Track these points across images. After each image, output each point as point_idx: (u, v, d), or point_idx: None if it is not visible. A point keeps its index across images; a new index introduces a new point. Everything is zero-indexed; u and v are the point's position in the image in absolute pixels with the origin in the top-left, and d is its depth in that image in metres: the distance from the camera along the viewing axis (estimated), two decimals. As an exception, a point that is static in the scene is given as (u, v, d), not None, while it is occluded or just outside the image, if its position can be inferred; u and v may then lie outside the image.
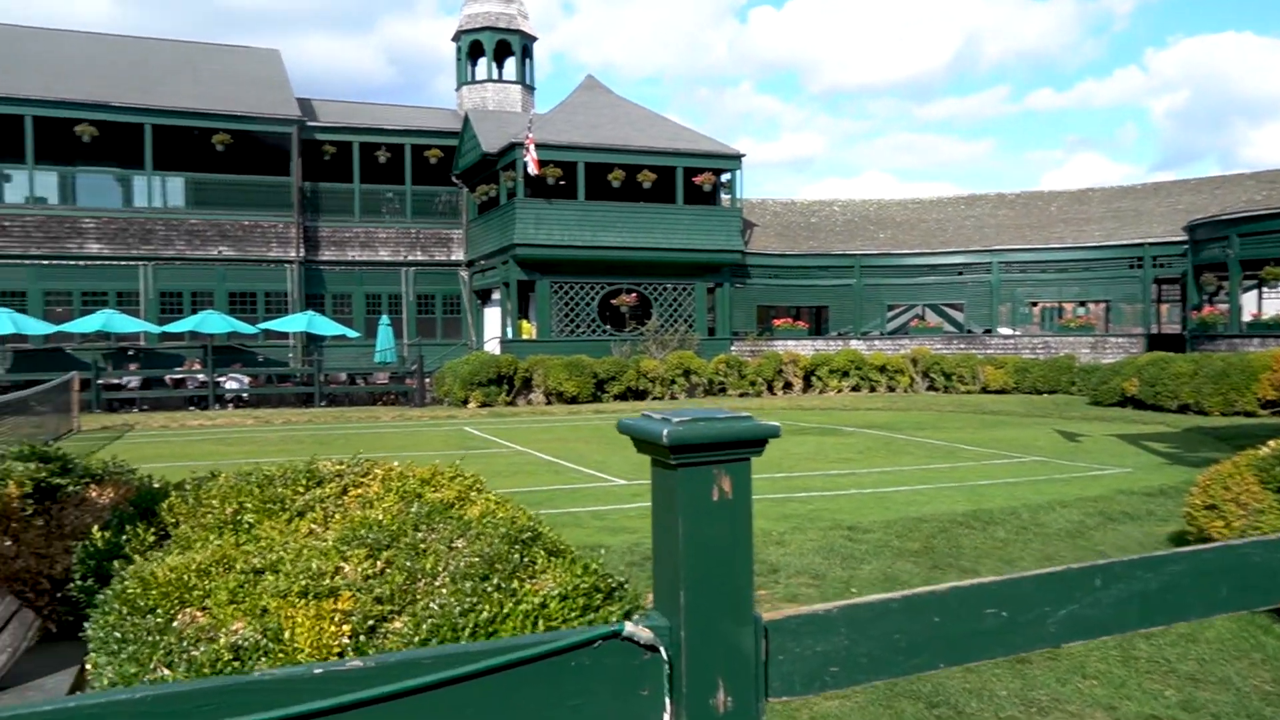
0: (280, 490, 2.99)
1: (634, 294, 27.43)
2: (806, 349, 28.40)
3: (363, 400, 25.53)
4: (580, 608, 2.19)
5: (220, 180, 26.87)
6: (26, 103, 24.57)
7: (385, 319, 27.53)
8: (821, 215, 33.19)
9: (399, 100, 35.26)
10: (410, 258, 29.24)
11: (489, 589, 2.26)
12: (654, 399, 24.35)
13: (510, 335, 26.51)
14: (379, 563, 2.45)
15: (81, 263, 25.48)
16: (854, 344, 28.74)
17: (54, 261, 25.20)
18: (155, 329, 24.65)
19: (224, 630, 2.15)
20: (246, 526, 2.80)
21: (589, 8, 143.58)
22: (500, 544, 2.44)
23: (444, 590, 2.27)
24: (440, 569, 2.37)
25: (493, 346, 27.39)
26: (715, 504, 1.49)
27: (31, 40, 29.06)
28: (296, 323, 25.28)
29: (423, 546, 2.53)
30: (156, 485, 3.39)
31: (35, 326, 23.14)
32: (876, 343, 29.38)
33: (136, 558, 2.68)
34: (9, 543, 2.96)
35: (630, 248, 26.73)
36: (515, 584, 2.30)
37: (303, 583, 2.26)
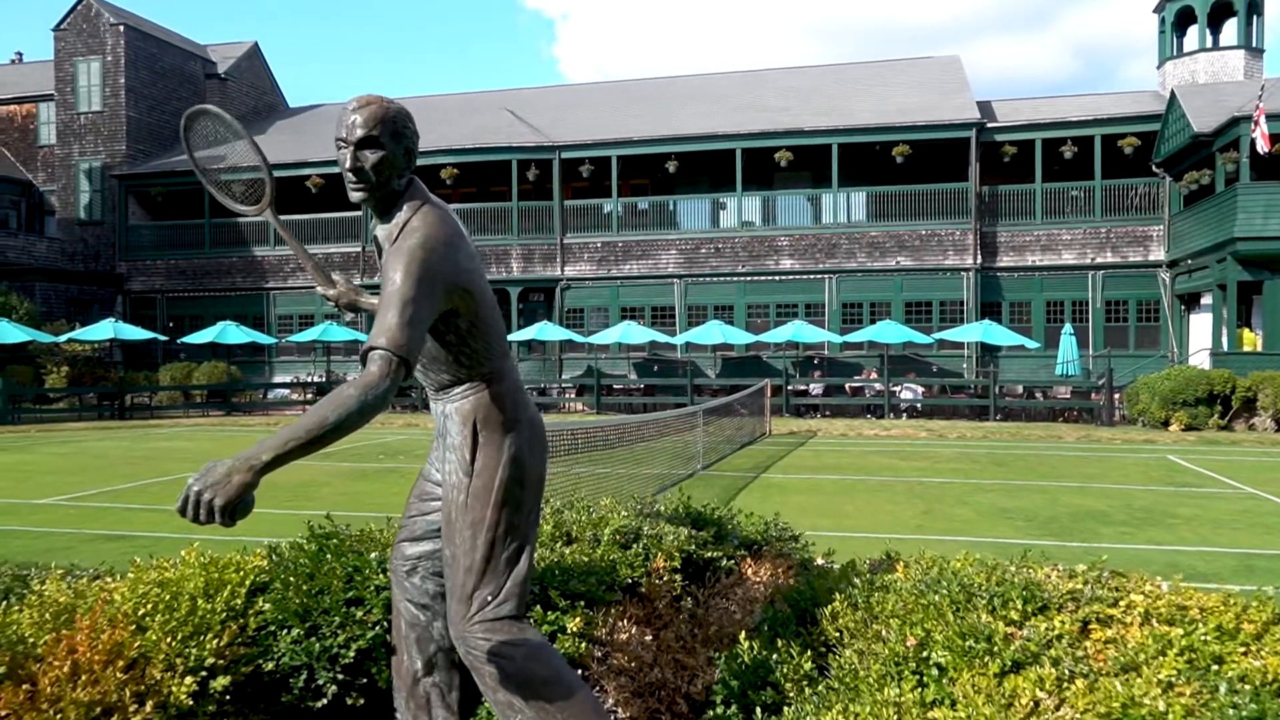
0: (984, 618, 2.02)
1: None
2: None
3: (1041, 416, 23.64)
4: None
5: (899, 191, 27.16)
6: (737, 137, 27.64)
7: (1069, 328, 25.16)
8: None
9: (1081, 92, 31.90)
10: (1098, 259, 26.33)
11: None
12: None
13: (1226, 347, 22.26)
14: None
15: (776, 278, 27.80)
16: None
17: (755, 278, 27.90)
18: (837, 339, 25.77)
19: None
20: (935, 674, 1.91)
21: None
22: None
23: None
24: None
25: (1200, 359, 23.32)
26: None
27: (744, 82, 32.96)
28: (971, 332, 24.35)
29: (1261, 803, 1.37)
30: (820, 563, 2.67)
31: (739, 336, 25.83)
32: None
33: (788, 689, 1.96)
34: (649, 638, 2.39)
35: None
36: None
37: None
